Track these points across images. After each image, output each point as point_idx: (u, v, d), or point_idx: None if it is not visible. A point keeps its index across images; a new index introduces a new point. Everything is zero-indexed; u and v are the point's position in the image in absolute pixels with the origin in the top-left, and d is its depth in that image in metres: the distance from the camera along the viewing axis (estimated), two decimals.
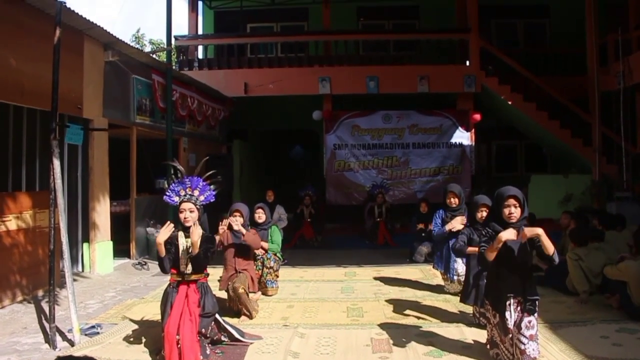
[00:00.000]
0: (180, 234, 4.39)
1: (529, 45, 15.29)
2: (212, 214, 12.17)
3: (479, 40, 13.08)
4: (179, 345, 4.07)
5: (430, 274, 7.66)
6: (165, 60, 10.22)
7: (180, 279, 4.36)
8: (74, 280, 5.48)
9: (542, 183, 12.84)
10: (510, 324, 3.97)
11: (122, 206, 9.37)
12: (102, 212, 8.03)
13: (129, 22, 45.80)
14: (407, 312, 5.74)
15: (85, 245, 7.81)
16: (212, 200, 4.50)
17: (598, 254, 6.06)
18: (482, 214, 5.68)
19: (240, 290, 5.49)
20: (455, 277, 6.34)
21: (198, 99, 11.32)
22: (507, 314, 3.99)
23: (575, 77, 13.05)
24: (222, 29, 16.19)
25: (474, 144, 13.43)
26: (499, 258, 3.99)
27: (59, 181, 4.89)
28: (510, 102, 12.87)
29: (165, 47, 10.23)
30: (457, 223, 6.16)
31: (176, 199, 4.40)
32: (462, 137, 13.32)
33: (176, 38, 13.62)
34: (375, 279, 7.54)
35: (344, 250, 10.15)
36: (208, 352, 4.30)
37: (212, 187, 4.49)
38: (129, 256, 8.98)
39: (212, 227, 4.82)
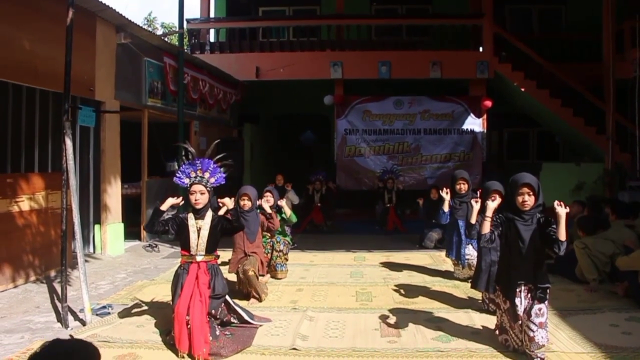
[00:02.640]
0: (190, 215, 4.40)
1: (544, 32, 15.09)
2: (222, 196, 12.24)
3: (492, 25, 12.92)
4: (188, 326, 4.10)
5: (440, 260, 7.67)
6: (177, 43, 10.21)
7: (190, 260, 4.38)
8: (86, 261, 5.55)
9: (554, 171, 12.73)
10: (520, 310, 3.97)
11: (133, 189, 9.43)
12: (114, 194, 8.09)
13: (143, 4, 45.75)
14: (416, 297, 5.76)
15: (96, 226, 7.87)
16: (222, 183, 4.49)
17: (606, 242, 6.03)
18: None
19: (250, 273, 5.52)
20: (466, 262, 6.32)
21: (210, 82, 11.31)
22: (517, 300, 3.98)
23: (590, 65, 12.87)
24: (234, 12, 16.11)
25: (485, 130, 13.35)
26: (511, 245, 3.99)
27: (71, 162, 4.92)
28: (523, 89, 12.74)
29: (177, 30, 10.21)
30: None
31: (186, 180, 4.39)
32: (474, 123, 13.24)
33: (188, 21, 13.58)
34: (385, 264, 7.56)
35: (353, 236, 10.17)
36: (217, 333, 4.33)
37: (222, 169, 4.47)
38: (139, 238, 9.06)
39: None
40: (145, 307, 5.38)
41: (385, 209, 10.85)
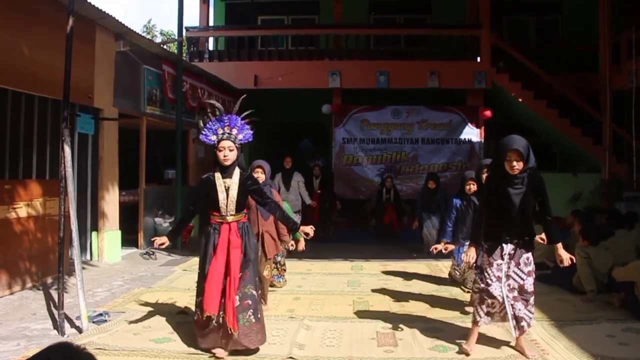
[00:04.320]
0: (217, 175, 4.28)
1: (541, 42, 15.16)
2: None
3: (490, 36, 13.00)
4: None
5: (437, 269, 7.68)
6: (176, 51, 10.24)
7: (221, 221, 4.28)
8: (82, 268, 5.53)
9: (551, 181, 12.44)
10: (503, 267, 4.07)
11: (131, 196, 9.43)
12: (111, 201, 8.09)
13: (143, 12, 45.93)
14: (413, 306, 5.76)
15: (93, 233, 7.86)
16: (250, 140, 4.39)
17: (607, 254, 6.04)
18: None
19: (265, 273, 5.47)
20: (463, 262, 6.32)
21: (208, 90, 11.34)
22: (505, 249, 4.10)
23: (587, 75, 12.93)
24: (232, 20, 16.17)
25: (483, 140, 13.39)
26: (501, 207, 4.07)
27: (69, 169, 4.93)
28: (520, 99, 12.80)
29: (176, 38, 10.25)
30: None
31: (213, 137, 4.26)
32: (472, 133, 13.27)
33: (187, 29, 13.64)
34: (382, 273, 7.57)
35: (351, 244, 10.16)
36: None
37: (249, 126, 4.36)
38: (136, 246, 9.04)
39: None
40: (143, 315, 5.36)
41: (384, 201, 10.80)
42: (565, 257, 4.21)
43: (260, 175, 5.58)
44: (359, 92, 13.56)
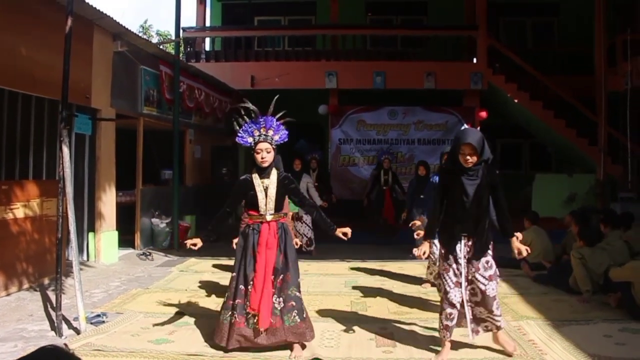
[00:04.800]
0: (255, 175, 4.30)
1: (537, 44, 15.23)
2: (216, 205, 12.18)
3: (486, 37, 13.03)
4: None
5: (434, 269, 7.69)
6: (173, 52, 10.24)
7: (260, 220, 4.30)
8: (80, 269, 5.51)
9: (547, 182, 12.83)
10: (462, 260, 4.06)
11: (128, 196, 9.42)
12: (108, 202, 8.08)
13: (140, 13, 45.86)
14: (411, 307, 5.77)
15: (90, 234, 7.86)
16: (285, 140, 4.42)
17: (603, 254, 6.08)
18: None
19: None
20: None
21: (205, 91, 11.34)
22: (458, 247, 4.08)
23: (583, 77, 12.97)
24: (229, 21, 16.17)
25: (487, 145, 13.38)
26: (455, 199, 4.07)
27: (68, 170, 4.92)
28: (516, 101, 12.84)
29: (173, 38, 10.24)
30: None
31: (250, 140, 4.29)
32: None
33: (184, 30, 13.61)
34: (379, 273, 7.58)
35: (347, 245, 10.07)
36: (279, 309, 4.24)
37: (284, 126, 4.38)
38: (133, 246, 9.03)
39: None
40: (140, 316, 5.36)
41: (381, 191, 10.80)
42: (522, 248, 4.14)
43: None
44: (355, 92, 13.58)
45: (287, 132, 4.40)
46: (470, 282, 4.10)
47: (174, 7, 9.70)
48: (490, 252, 4.14)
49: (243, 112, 4.33)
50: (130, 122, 8.86)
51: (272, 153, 4.28)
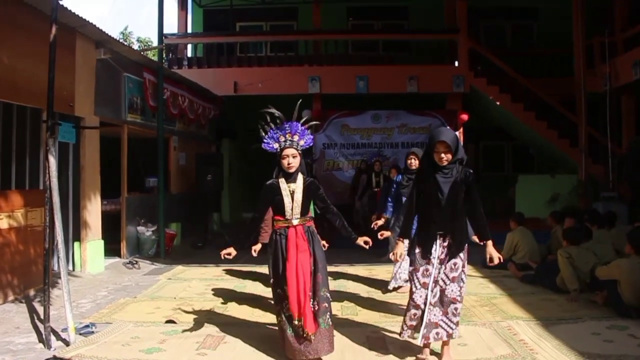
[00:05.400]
0: (282, 180, 4.31)
1: (517, 47, 15.45)
2: (201, 212, 12.07)
3: (467, 41, 13.16)
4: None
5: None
6: (155, 58, 10.19)
7: (287, 225, 4.30)
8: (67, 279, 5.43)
9: (529, 183, 13.00)
10: (435, 261, 4.09)
11: (113, 205, 9.32)
12: (93, 210, 7.99)
13: (119, 20, 45.56)
14: (401, 310, 5.76)
15: (76, 244, 7.76)
16: (310, 145, 4.46)
17: (588, 253, 6.17)
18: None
19: None
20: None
21: (189, 97, 11.28)
22: (434, 249, 4.11)
23: (563, 79, 13.18)
24: (211, 27, 16.13)
25: (462, 144, 13.50)
26: (430, 197, 4.12)
27: (54, 180, 4.87)
28: (498, 103, 12.98)
29: (155, 45, 10.19)
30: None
31: (276, 145, 4.30)
32: None
33: (165, 36, 13.47)
34: (367, 278, 7.56)
35: (335, 249, 10.08)
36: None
37: (309, 131, 4.39)
38: (119, 255, 8.93)
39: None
40: (130, 326, 5.31)
41: (373, 193, 10.78)
42: (495, 256, 4.15)
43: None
44: (338, 97, 13.62)
45: (312, 137, 4.44)
46: (436, 282, 4.13)
47: (154, 13, 9.68)
48: (462, 254, 4.15)
49: (269, 119, 4.31)
50: (114, 129, 8.77)
51: (298, 158, 4.31)
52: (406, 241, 4.48)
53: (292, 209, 4.29)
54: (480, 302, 6.08)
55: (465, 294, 6.21)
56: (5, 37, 5.97)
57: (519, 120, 13.03)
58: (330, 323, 4.21)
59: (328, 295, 4.27)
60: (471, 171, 4.17)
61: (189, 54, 14.77)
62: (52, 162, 4.85)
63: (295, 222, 4.31)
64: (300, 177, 4.35)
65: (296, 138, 4.30)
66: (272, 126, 4.35)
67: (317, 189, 4.45)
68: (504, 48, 15.21)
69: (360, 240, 4.48)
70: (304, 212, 4.35)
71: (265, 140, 4.36)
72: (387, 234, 5.85)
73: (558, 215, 8.03)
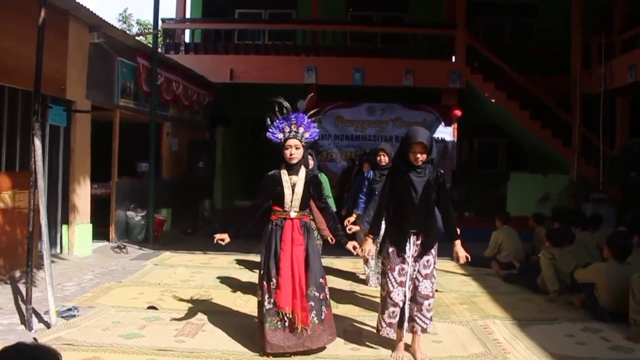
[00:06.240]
0: (283, 171, 4.33)
1: (515, 44, 15.40)
2: (192, 198, 12.06)
3: (465, 37, 13.16)
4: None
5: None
6: (151, 43, 10.17)
7: (284, 216, 4.32)
8: (52, 262, 5.50)
9: (521, 181, 13.04)
10: (409, 259, 4.14)
11: (103, 189, 9.35)
12: (83, 194, 8.02)
13: (119, 1, 45.23)
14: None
15: (64, 227, 7.79)
16: (316, 139, 4.48)
17: (570, 255, 6.24)
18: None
19: None
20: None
21: (184, 83, 11.27)
22: (407, 247, 4.16)
23: (559, 78, 13.21)
24: (210, 13, 16.05)
25: (455, 139, 13.56)
26: (403, 196, 4.16)
27: (40, 163, 4.89)
28: (493, 100, 13.01)
29: (152, 31, 10.17)
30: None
31: (280, 136, 4.32)
32: (445, 132, 13.44)
33: (163, 21, 13.51)
34: (352, 271, 7.59)
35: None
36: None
37: (315, 124, 4.41)
38: (108, 239, 8.97)
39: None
40: (112, 310, 5.36)
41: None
42: (462, 255, 4.26)
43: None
44: (334, 88, 13.61)
45: (317, 131, 4.44)
46: (412, 280, 4.19)
47: None
48: (433, 251, 4.24)
49: (276, 109, 4.32)
50: (107, 114, 8.79)
51: (301, 150, 4.31)
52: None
53: (291, 202, 4.30)
54: (460, 299, 6.14)
55: (447, 290, 6.39)
56: None
57: (513, 118, 13.06)
58: (317, 322, 4.22)
59: (316, 294, 4.27)
60: (442, 171, 4.27)
61: (187, 40, 14.72)
62: (38, 145, 4.86)
63: (293, 214, 4.32)
64: (302, 170, 4.35)
65: (301, 130, 4.31)
66: (279, 116, 4.36)
67: (319, 184, 4.46)
68: (502, 45, 15.17)
69: (350, 245, 4.50)
70: (303, 206, 4.36)
71: (270, 130, 4.37)
72: (355, 228, 5.87)
73: (539, 218, 8.11)
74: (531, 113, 12.89)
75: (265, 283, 4.27)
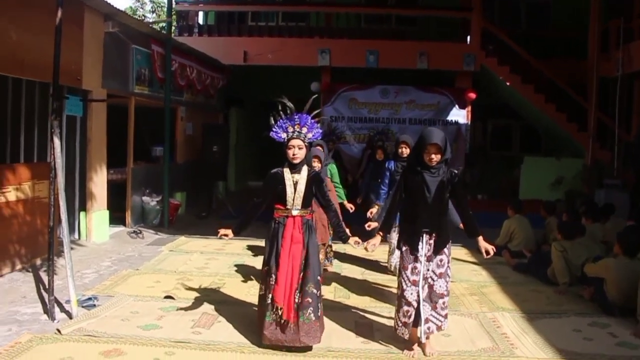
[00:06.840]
0: (286, 170, 4.44)
1: (532, 27, 15.15)
2: (206, 181, 12.12)
3: (481, 19, 12.98)
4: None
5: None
6: (165, 30, 10.20)
7: (286, 214, 4.43)
8: (71, 249, 5.63)
9: (535, 164, 12.98)
10: (422, 258, 4.22)
11: (119, 174, 9.50)
12: (99, 182, 8.17)
13: None
14: (393, 295, 5.90)
15: (82, 214, 7.96)
16: (318, 138, 4.59)
17: (581, 247, 6.27)
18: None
19: (320, 257, 5.58)
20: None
21: (197, 68, 11.31)
22: (420, 245, 4.24)
23: (575, 62, 13.02)
24: None
25: (469, 122, 13.49)
26: (417, 195, 4.24)
27: (59, 160, 5.01)
28: (508, 83, 12.90)
29: (166, 18, 10.19)
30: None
31: (284, 135, 4.41)
32: (459, 115, 13.36)
33: (177, 2, 13.51)
34: (364, 258, 7.62)
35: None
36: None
37: (318, 125, 4.50)
38: (124, 224, 9.15)
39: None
40: (130, 300, 5.51)
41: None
42: (489, 248, 4.34)
43: (316, 165, 5.83)
44: (347, 70, 13.57)
45: (320, 131, 4.53)
46: (426, 279, 4.27)
47: None
48: (446, 250, 4.33)
49: (280, 108, 4.40)
50: (122, 100, 8.88)
51: (304, 150, 4.41)
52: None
53: (293, 200, 4.40)
54: (471, 290, 6.23)
55: (458, 280, 6.45)
56: (13, 13, 6.03)
57: (528, 101, 12.95)
58: (313, 318, 4.31)
59: (314, 290, 4.38)
60: (456, 172, 4.31)
61: (200, 21, 14.69)
62: (57, 143, 4.98)
63: (295, 212, 4.42)
64: (304, 169, 4.45)
65: (304, 130, 4.40)
66: (283, 116, 4.44)
67: (321, 181, 4.55)
68: (518, 28, 14.93)
69: (351, 241, 4.57)
70: (305, 204, 4.46)
71: (274, 129, 4.45)
72: (374, 224, 5.92)
73: (551, 207, 8.13)
74: (546, 97, 12.76)
75: (268, 279, 4.41)
